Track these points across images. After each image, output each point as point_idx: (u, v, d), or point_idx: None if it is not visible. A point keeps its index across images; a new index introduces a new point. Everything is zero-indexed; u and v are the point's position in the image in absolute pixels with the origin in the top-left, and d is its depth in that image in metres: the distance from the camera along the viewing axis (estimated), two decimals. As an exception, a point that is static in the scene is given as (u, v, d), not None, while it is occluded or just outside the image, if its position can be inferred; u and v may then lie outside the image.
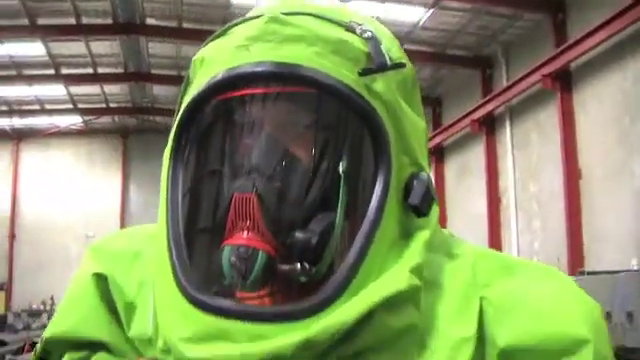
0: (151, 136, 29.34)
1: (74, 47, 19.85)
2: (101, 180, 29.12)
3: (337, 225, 1.09)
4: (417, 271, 1.09)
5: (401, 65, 1.16)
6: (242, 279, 1.07)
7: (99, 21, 18.30)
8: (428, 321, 1.12)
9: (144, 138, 29.28)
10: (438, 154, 24.35)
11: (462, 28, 18.72)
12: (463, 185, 22.28)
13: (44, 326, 4.92)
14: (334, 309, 1.03)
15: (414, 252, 1.11)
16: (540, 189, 18.57)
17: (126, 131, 29.08)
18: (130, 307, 1.27)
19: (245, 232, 1.08)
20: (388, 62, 1.13)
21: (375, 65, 1.12)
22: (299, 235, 1.08)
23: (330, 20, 1.17)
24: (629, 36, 14.25)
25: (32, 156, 28.07)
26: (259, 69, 1.12)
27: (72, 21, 18.03)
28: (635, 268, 7.98)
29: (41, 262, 26.20)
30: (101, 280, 1.30)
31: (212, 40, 1.30)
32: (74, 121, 26.66)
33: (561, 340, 1.10)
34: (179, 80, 22.49)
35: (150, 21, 18.65)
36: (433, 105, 24.29)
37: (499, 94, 19.12)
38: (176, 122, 1.23)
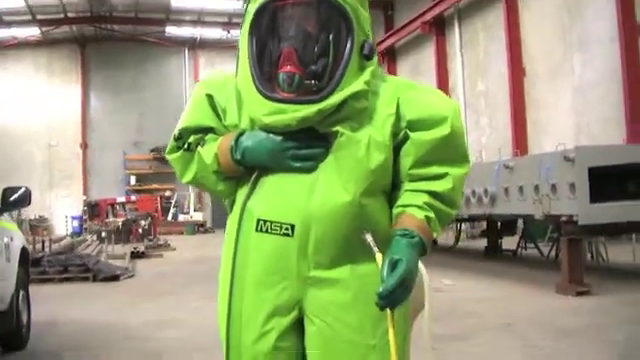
0: (109, 44, 29.60)
1: (33, -44, 20.03)
2: (61, 89, 29.53)
3: (329, 62, 2.20)
4: (367, 83, 2.22)
5: None
6: (288, 86, 2.17)
7: None
8: (372, 108, 2.27)
9: (102, 47, 29.55)
10: (390, 55, 25.14)
11: None
12: (415, 85, 23.05)
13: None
14: (329, 99, 2.15)
15: (366, 75, 2.24)
16: (487, 87, 19.56)
17: (84, 40, 29.28)
18: (224, 110, 2.38)
19: (288, 66, 2.17)
20: None
21: None
22: (312, 67, 2.18)
23: None
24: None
25: (-10, 68, 28.25)
26: None
27: None
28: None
29: (7, 170, 26.47)
30: (208, 97, 2.42)
31: None
32: (32, 32, 26.87)
33: (436, 116, 2.28)
34: (137, -12, 22.95)
35: None
36: (385, 8, 24.92)
37: (446, -4, 19.85)
38: (251, 15, 2.29)
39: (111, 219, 23.72)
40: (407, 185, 2.31)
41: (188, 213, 29.94)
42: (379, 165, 2.24)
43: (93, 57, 29.78)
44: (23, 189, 6.18)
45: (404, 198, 2.30)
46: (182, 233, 26.79)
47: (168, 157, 2.51)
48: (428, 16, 21.07)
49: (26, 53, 28.25)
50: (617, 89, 13.77)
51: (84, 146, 30.00)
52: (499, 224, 13.19)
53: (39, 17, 25.07)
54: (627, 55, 13.37)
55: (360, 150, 2.21)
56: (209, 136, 2.40)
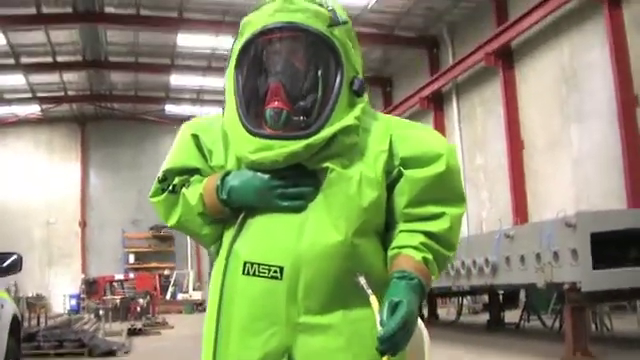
0: (109, 123, 29.76)
1: (34, 36, 20.24)
2: (61, 167, 29.56)
3: (318, 98, 2.13)
4: (357, 118, 2.16)
5: (346, 22, 2.26)
6: (275, 123, 2.10)
7: (59, 10, 18.68)
8: (364, 145, 2.18)
9: (102, 125, 29.72)
10: (389, 131, 25.18)
11: (409, 10, 19.46)
12: (414, 160, 23.08)
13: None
14: (318, 133, 2.07)
15: (356, 111, 2.17)
16: (486, 161, 19.58)
17: (84, 119, 29.47)
18: (210, 151, 2.30)
19: (276, 102, 2.11)
20: (340, 21, 2.22)
21: (334, 22, 2.20)
22: (301, 103, 2.12)
23: (312, 1, 2.22)
24: (564, 14, 15.22)
25: (-8, 145, 28.35)
26: (279, 25, 2.18)
27: (33, 11, 18.42)
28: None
29: (5, 246, 26.14)
30: (194, 137, 2.34)
31: (252, 12, 2.28)
32: (33, 110, 27.03)
33: (430, 153, 2.20)
34: (136, 67, 23.29)
35: (109, 9, 19.11)
36: (384, 84, 25.11)
37: (446, 72, 19.98)
38: (236, 52, 2.25)
39: (109, 297, 23.54)
40: (402, 225, 2.22)
41: (187, 292, 29.63)
42: (372, 202, 2.14)
43: (93, 135, 29.94)
44: (14, 256, 6.07)
45: (399, 239, 2.21)
46: (181, 312, 26.45)
47: (151, 200, 2.41)
48: (426, 92, 21.22)
49: (26, 130, 28.43)
50: (616, 160, 13.75)
51: (83, 224, 29.91)
52: (501, 297, 13.04)
53: (39, 95, 25.28)
54: (625, 126, 13.37)
55: (351, 187, 2.13)
56: (195, 177, 2.32)
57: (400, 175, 2.21)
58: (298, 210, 2.15)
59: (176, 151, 2.39)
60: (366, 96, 2.28)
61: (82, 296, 27.42)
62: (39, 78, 23.54)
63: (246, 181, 2.18)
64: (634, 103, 13.31)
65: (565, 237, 8.08)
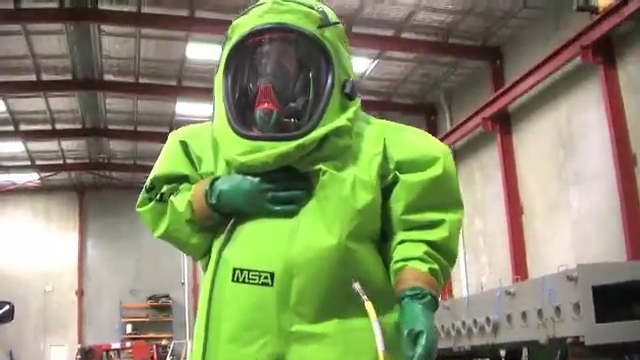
0: (107, 192, 29.70)
1: (33, 103, 20.34)
2: (58, 236, 29.42)
3: (309, 100, 2.13)
4: (349, 120, 2.15)
5: (337, 23, 2.27)
6: (265, 124, 2.10)
7: (58, 77, 18.83)
8: (357, 148, 2.16)
9: (100, 194, 29.68)
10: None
11: (406, 77, 19.65)
12: (413, 227, 23.00)
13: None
14: (309, 134, 2.06)
15: (348, 113, 2.17)
16: (485, 225, 19.49)
17: (82, 187, 29.48)
18: (199, 159, 2.28)
19: (266, 103, 2.10)
20: (331, 22, 2.23)
21: (324, 23, 2.21)
22: (292, 104, 2.12)
23: (302, 3, 2.23)
24: (560, 78, 15.34)
25: (-12, 213, 28.23)
26: (268, 26, 2.18)
27: (32, 78, 18.56)
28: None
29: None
30: (182, 144, 2.33)
31: (240, 16, 2.28)
32: (31, 178, 27.05)
33: (426, 157, 2.19)
34: (136, 135, 23.35)
35: (108, 77, 19.25)
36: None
37: (443, 138, 19.93)
38: (226, 54, 2.24)
39: (105, 366, 23.22)
40: (401, 235, 2.16)
41: (185, 362, 29.26)
42: (366, 205, 2.09)
43: (91, 204, 29.90)
44: (7, 305, 5.98)
45: (402, 250, 2.14)
46: (179, 382, 26.12)
47: (139, 210, 2.37)
48: (426, 158, 21.22)
49: (24, 199, 28.40)
50: (616, 221, 13.67)
51: (80, 293, 29.64)
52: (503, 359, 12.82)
53: (38, 162, 25.33)
54: (624, 186, 13.33)
55: (345, 189, 2.07)
56: (183, 186, 2.28)
57: (395, 180, 2.17)
58: (290, 215, 2.09)
59: (164, 158, 2.36)
60: (358, 100, 2.26)
61: (78, 365, 27.00)
62: (38, 146, 23.56)
63: (236, 185, 2.12)
64: (632, 162, 13.30)
65: (567, 291, 8.00)
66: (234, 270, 2.09)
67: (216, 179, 2.17)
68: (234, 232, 2.15)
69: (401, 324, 2.00)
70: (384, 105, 20.94)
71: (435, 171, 2.17)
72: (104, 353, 26.36)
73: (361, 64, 18.46)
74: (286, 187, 2.08)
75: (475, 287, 18.62)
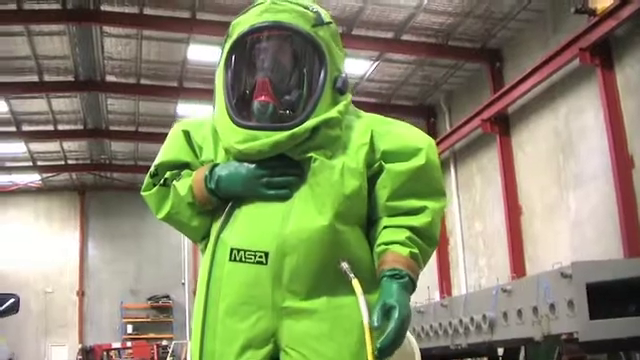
0: (108, 193, 29.79)
1: (35, 104, 20.44)
2: (59, 237, 29.53)
3: (304, 93, 2.28)
4: (340, 112, 2.29)
5: (330, 22, 2.42)
6: (262, 115, 2.25)
7: (60, 78, 18.94)
8: (346, 139, 2.31)
9: (101, 195, 29.78)
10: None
11: (406, 79, 19.75)
12: (412, 228, 23.03)
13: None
14: (302, 125, 2.22)
15: (339, 107, 2.31)
16: (485, 228, 19.58)
17: (84, 188, 29.57)
18: (200, 147, 2.45)
19: (263, 96, 2.25)
20: (324, 22, 2.38)
21: (318, 23, 2.36)
22: (287, 97, 2.27)
23: (297, 3, 2.38)
24: (559, 80, 15.44)
25: (-10, 214, 28.38)
26: (266, 24, 2.33)
27: (34, 78, 18.67)
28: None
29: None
30: (185, 134, 2.49)
31: (241, 15, 2.44)
32: (33, 179, 27.15)
33: (410, 147, 2.33)
34: (137, 136, 23.45)
35: (110, 78, 19.36)
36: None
37: (443, 140, 20.10)
38: (226, 50, 2.39)
39: (106, 366, 23.29)
40: (385, 220, 2.32)
41: (185, 362, 29.33)
42: (354, 191, 2.25)
43: (92, 205, 29.97)
44: (13, 298, 6.08)
45: (385, 235, 2.30)
46: (179, 381, 26.19)
47: (143, 194, 2.52)
48: (425, 160, 21.26)
49: (26, 199, 28.48)
50: (614, 222, 13.76)
51: (81, 293, 29.72)
52: (500, 358, 12.90)
53: (40, 163, 25.41)
54: (622, 188, 13.42)
55: (334, 175, 2.24)
56: (185, 171, 2.46)
57: (381, 169, 2.35)
58: (284, 199, 2.26)
59: (168, 146, 2.53)
60: (349, 95, 2.42)
61: (79, 365, 27.07)
62: (40, 146, 23.68)
63: (233, 171, 2.30)
64: (630, 164, 13.40)
65: (561, 288, 8.08)
66: (231, 250, 2.26)
67: (215, 165, 2.34)
68: (232, 215, 2.31)
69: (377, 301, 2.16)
70: (384, 107, 20.94)
71: (418, 161, 2.32)
72: (105, 353, 26.43)
73: (361, 66, 18.62)
74: (280, 173, 2.26)
75: (474, 289, 18.68)
